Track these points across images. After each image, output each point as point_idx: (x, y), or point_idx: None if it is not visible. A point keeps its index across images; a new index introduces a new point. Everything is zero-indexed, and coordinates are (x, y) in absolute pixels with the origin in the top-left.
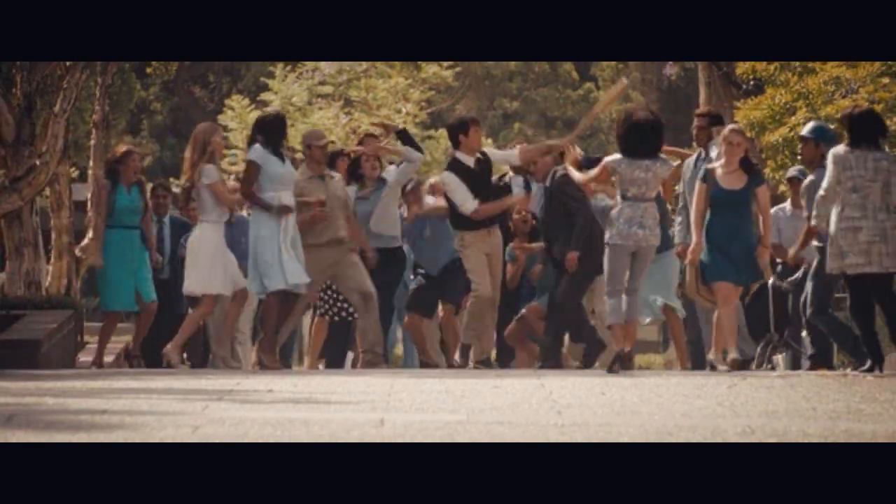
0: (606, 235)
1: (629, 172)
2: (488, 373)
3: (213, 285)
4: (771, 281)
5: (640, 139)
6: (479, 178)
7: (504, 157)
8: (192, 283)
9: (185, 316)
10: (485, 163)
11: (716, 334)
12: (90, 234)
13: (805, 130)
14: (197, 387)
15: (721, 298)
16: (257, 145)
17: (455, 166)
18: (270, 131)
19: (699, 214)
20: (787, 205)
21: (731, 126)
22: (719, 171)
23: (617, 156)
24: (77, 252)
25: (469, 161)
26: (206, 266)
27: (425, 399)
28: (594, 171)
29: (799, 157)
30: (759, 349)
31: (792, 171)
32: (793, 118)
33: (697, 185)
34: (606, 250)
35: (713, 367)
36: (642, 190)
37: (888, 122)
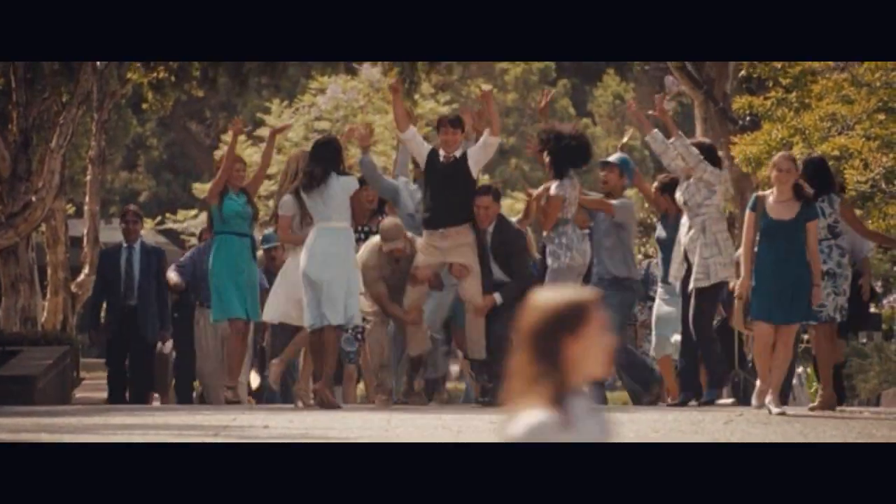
0: (566, 258)
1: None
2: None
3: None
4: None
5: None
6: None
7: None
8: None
9: (154, 345)
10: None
11: (763, 370)
12: (86, 269)
13: (612, 157)
14: (193, 423)
15: (758, 337)
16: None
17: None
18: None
19: (748, 245)
20: None
21: (781, 153)
22: (770, 200)
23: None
24: (73, 288)
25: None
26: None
27: (421, 435)
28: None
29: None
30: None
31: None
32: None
33: (746, 213)
34: (559, 273)
35: (769, 410)
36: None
37: (884, 159)
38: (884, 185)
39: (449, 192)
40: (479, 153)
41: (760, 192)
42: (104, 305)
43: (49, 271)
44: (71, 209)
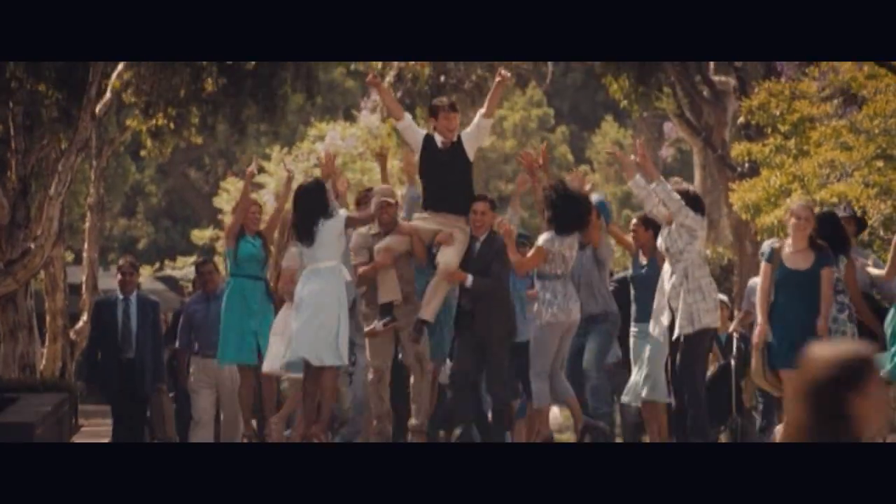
0: (546, 314)
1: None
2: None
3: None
4: (733, 361)
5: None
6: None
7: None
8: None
9: (150, 398)
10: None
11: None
12: (85, 316)
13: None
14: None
15: (789, 387)
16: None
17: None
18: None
19: (764, 295)
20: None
21: (798, 202)
22: (786, 250)
23: (548, 234)
24: (71, 335)
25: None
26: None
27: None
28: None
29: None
30: (720, 435)
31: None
32: (788, 200)
33: (762, 265)
34: (545, 329)
35: None
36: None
37: (881, 206)
38: (882, 233)
39: (448, 177)
40: (472, 136)
41: (776, 243)
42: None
43: (48, 318)
44: (70, 256)
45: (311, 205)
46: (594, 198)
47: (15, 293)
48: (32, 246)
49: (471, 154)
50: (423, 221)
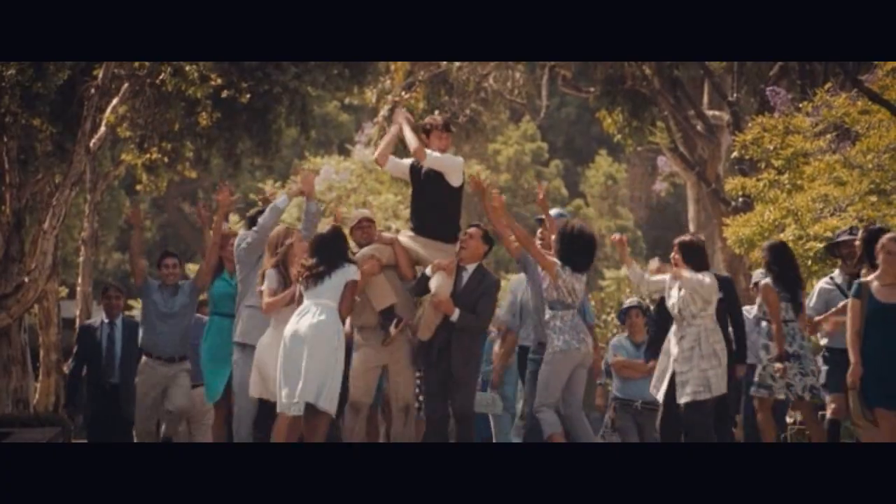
0: (559, 342)
1: (572, 282)
2: None
3: None
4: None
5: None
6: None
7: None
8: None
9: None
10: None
11: None
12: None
13: (552, 212)
14: None
15: (883, 425)
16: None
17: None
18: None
19: (855, 334)
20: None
21: (889, 234)
22: (875, 284)
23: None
24: (65, 369)
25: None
26: None
27: None
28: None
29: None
30: None
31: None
32: (781, 235)
33: (850, 301)
34: (556, 357)
35: None
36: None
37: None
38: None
39: (434, 200)
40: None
41: (863, 279)
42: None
43: (41, 353)
44: (63, 291)
45: (332, 254)
46: (554, 212)
47: (9, 327)
48: (26, 280)
49: (452, 180)
50: (409, 240)
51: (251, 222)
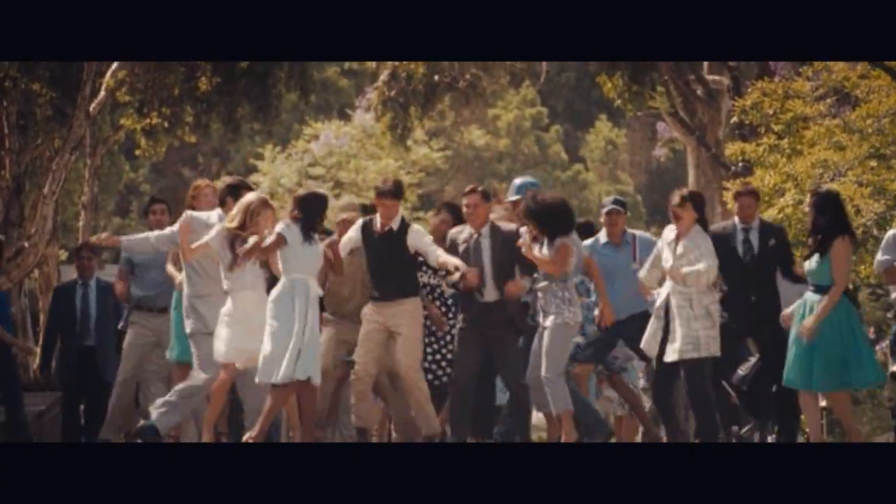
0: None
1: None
2: None
3: None
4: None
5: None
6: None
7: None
8: None
9: (112, 386)
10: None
11: None
12: None
13: (517, 181)
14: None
15: None
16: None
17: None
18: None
19: None
20: None
21: None
22: None
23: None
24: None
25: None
26: None
27: None
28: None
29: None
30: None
31: None
32: (781, 200)
33: None
34: (565, 328)
35: None
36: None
37: (875, 205)
38: (875, 231)
39: (390, 262)
40: (420, 242)
41: None
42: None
43: (41, 317)
44: (63, 255)
45: (317, 210)
46: (520, 182)
47: (9, 292)
48: (26, 245)
49: (411, 248)
50: (370, 322)
51: (231, 191)
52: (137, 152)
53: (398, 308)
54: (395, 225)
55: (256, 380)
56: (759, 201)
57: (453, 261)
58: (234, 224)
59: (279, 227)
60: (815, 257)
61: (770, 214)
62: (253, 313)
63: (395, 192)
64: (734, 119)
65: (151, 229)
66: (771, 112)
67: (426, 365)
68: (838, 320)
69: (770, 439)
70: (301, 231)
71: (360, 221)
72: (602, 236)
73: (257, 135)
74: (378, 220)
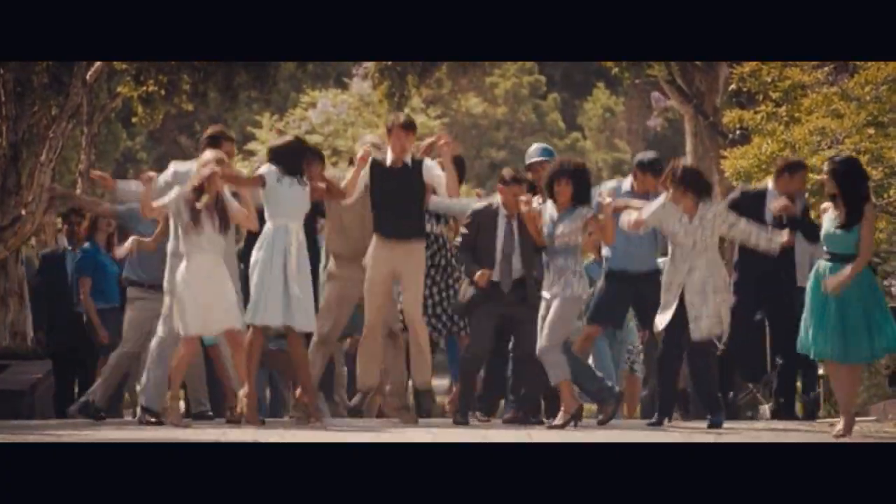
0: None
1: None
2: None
3: None
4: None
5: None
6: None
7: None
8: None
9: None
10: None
11: None
12: None
13: (535, 156)
14: (183, 438)
15: None
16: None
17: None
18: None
19: None
20: None
21: None
22: None
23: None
24: None
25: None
26: None
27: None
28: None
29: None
30: (758, 392)
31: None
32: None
33: None
34: (576, 302)
35: None
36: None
37: (873, 173)
38: (873, 199)
39: (403, 199)
40: (432, 175)
41: None
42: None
43: None
44: (60, 223)
45: (288, 154)
46: (538, 150)
47: (6, 260)
48: (23, 213)
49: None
50: (377, 264)
51: (211, 141)
52: (134, 120)
53: (409, 247)
54: (408, 160)
55: (246, 319)
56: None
57: (464, 203)
58: (194, 184)
59: (261, 169)
60: (838, 226)
61: (768, 182)
62: (209, 278)
63: (408, 123)
64: (732, 87)
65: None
66: (769, 80)
67: (426, 319)
68: (862, 288)
69: (767, 408)
70: (280, 175)
71: (370, 157)
72: (626, 185)
73: (255, 103)
74: (389, 154)
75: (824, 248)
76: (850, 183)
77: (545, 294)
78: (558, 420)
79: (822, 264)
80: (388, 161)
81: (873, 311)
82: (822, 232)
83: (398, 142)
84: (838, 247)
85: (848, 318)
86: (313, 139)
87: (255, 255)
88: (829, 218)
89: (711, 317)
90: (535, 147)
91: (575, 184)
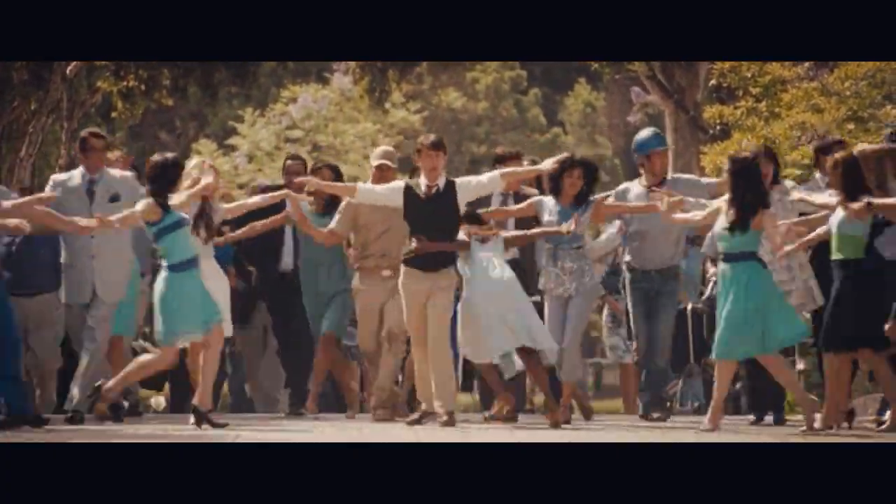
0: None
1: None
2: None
3: None
4: (690, 305)
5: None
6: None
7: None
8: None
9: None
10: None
11: None
12: None
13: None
14: (181, 434)
15: None
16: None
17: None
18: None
19: None
20: None
21: None
22: None
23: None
24: None
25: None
26: None
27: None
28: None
29: None
30: (680, 383)
31: None
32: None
33: None
34: (592, 293)
35: None
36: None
37: None
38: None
39: (437, 226)
40: (468, 189)
41: None
42: None
43: None
44: None
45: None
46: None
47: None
48: None
49: (461, 203)
50: (409, 282)
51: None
52: (114, 115)
53: (442, 273)
54: (440, 182)
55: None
56: None
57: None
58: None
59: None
60: (729, 226)
61: None
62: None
63: (437, 143)
64: (712, 82)
65: None
66: (749, 75)
67: None
68: (756, 283)
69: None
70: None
71: (401, 184)
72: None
73: (235, 98)
74: (423, 180)
75: (718, 247)
76: (742, 182)
77: (555, 290)
78: (560, 417)
79: (721, 266)
80: (422, 186)
81: (770, 303)
82: (715, 231)
83: (429, 162)
84: (732, 247)
85: (751, 313)
86: (294, 134)
87: None
88: (722, 216)
89: (806, 295)
90: (647, 133)
91: (587, 178)
